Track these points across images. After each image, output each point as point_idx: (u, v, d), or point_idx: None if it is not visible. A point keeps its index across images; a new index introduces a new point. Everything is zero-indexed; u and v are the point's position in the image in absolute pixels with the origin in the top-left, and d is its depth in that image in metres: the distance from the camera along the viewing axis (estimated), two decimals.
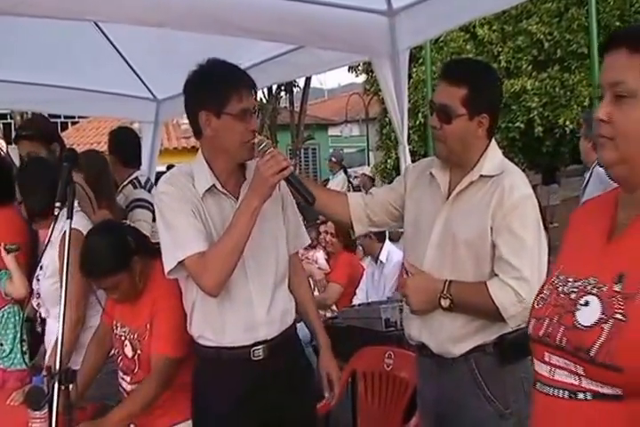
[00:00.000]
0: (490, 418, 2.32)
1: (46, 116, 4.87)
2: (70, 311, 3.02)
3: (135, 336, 2.82)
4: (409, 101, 13.93)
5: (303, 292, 2.76)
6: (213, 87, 2.39)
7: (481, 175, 2.37)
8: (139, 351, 2.80)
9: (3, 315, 3.44)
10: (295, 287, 2.70)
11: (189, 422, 2.73)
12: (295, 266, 2.73)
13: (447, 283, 2.33)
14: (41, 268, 3.31)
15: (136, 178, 4.84)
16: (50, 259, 3.23)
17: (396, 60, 3.75)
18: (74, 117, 20.15)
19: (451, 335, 2.39)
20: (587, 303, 1.32)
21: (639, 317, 1.24)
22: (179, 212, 2.41)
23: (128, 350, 2.84)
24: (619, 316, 1.25)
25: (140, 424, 2.72)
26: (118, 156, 4.92)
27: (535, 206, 2.36)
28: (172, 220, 2.42)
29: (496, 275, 2.31)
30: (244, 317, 2.49)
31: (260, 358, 2.51)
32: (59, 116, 19.71)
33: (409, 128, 12.21)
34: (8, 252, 3.40)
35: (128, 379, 2.85)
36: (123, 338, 2.87)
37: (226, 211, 2.46)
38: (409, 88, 13.93)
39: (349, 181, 12.00)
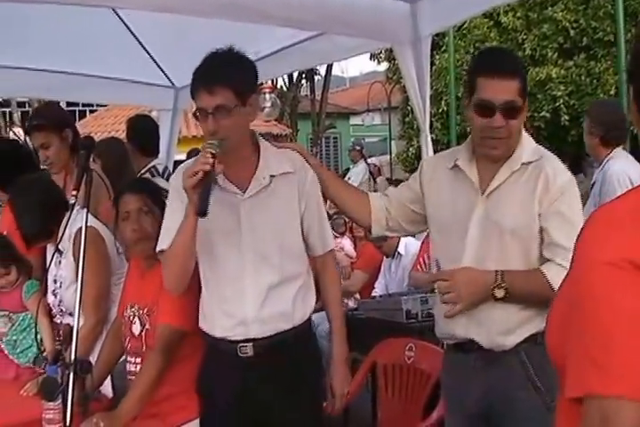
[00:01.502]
0: (538, 411, 2.26)
1: (61, 103, 4.85)
2: (90, 314, 3.06)
3: (144, 311, 2.81)
4: (431, 89, 13.78)
5: (330, 295, 2.72)
6: (191, 83, 2.45)
7: (522, 163, 2.36)
8: (147, 326, 2.79)
9: (23, 319, 3.42)
10: (322, 288, 2.70)
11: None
12: (325, 266, 2.71)
13: (499, 273, 2.29)
14: (55, 281, 3.26)
15: (154, 166, 4.84)
16: (66, 269, 3.19)
17: (418, 47, 3.69)
18: (92, 106, 20.16)
19: (501, 328, 2.34)
20: None
21: None
22: (172, 209, 2.54)
23: (136, 328, 2.82)
24: None
25: (152, 421, 2.70)
26: (136, 144, 4.90)
27: (578, 190, 2.39)
28: (166, 214, 2.60)
29: (548, 260, 2.28)
30: (235, 311, 2.50)
31: (248, 355, 2.51)
32: (77, 105, 19.71)
33: (431, 116, 12.04)
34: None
35: (139, 360, 2.81)
36: (131, 317, 2.85)
37: (224, 204, 2.46)
38: (431, 76, 13.80)
39: (370, 171, 11.94)
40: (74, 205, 2.69)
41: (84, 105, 20.20)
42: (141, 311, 2.82)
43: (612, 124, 4.30)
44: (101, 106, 18.55)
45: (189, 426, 2.74)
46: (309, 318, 2.63)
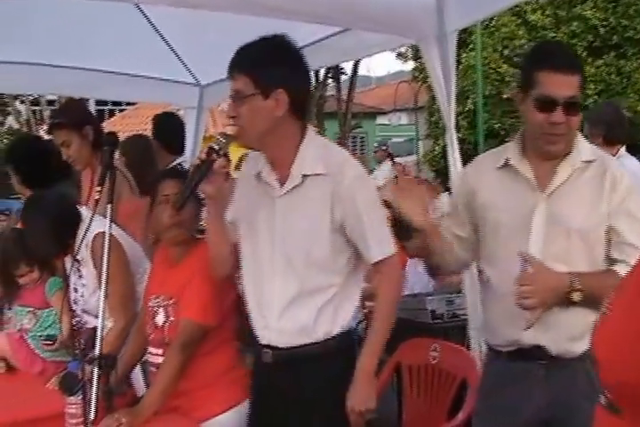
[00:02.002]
0: None
1: (91, 102, 4.86)
2: (119, 317, 3.06)
3: (170, 302, 2.77)
4: (458, 87, 13.71)
5: (376, 307, 2.50)
6: None
7: (582, 161, 2.33)
8: (171, 318, 2.75)
9: (48, 315, 3.44)
10: (375, 298, 2.52)
11: (228, 413, 2.71)
12: (376, 277, 2.50)
13: (575, 275, 2.22)
14: (76, 290, 3.26)
15: (179, 164, 4.80)
16: (88, 277, 3.19)
17: (444, 43, 3.60)
18: (121, 105, 20.30)
19: (570, 333, 2.28)
20: None
21: None
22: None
23: (159, 318, 2.79)
24: None
25: (173, 415, 2.69)
26: (161, 141, 4.89)
27: None
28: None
29: (616, 260, 2.24)
30: (265, 313, 2.46)
31: (268, 362, 2.46)
32: (106, 104, 19.90)
33: (458, 114, 12.00)
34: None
35: (160, 351, 2.79)
36: (155, 308, 2.82)
37: (265, 196, 2.47)
38: (458, 74, 13.73)
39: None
40: (97, 201, 2.67)
41: (113, 104, 20.35)
42: (166, 302, 2.79)
43: (613, 123, 4.28)
44: (130, 104, 18.66)
45: (211, 422, 2.71)
46: (342, 336, 2.45)
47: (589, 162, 2.33)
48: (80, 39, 4.49)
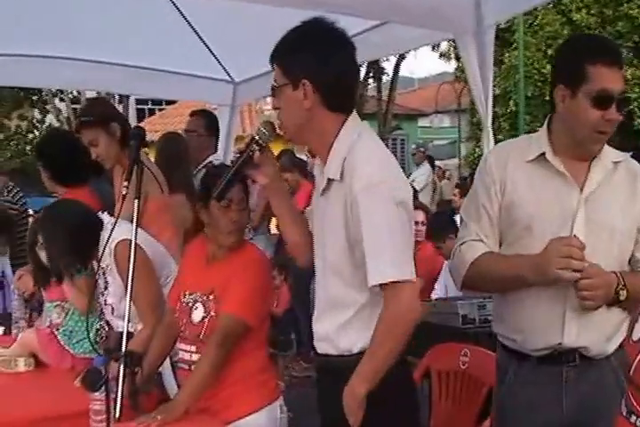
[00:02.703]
0: None
1: (131, 101, 4.90)
2: (148, 322, 3.02)
3: (210, 298, 2.70)
4: (500, 88, 13.53)
5: (373, 334, 2.18)
6: None
7: (612, 162, 2.31)
8: (211, 313, 2.68)
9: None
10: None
11: (256, 414, 2.66)
12: (385, 303, 2.17)
13: (619, 274, 2.20)
14: (107, 303, 3.21)
15: (211, 162, 4.78)
16: (114, 285, 3.13)
17: (482, 38, 3.53)
18: (161, 104, 20.46)
19: (607, 333, 2.27)
20: None
21: None
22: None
23: (197, 314, 2.72)
24: None
25: (202, 416, 2.63)
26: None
27: None
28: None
29: None
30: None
31: (316, 366, 2.42)
32: (146, 103, 20.07)
33: (499, 116, 11.74)
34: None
35: (193, 349, 2.72)
36: (191, 304, 2.75)
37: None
38: (500, 74, 13.55)
39: (434, 172, 11.70)
40: (124, 197, 2.65)
41: (153, 103, 20.53)
42: (204, 298, 2.72)
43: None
44: (169, 104, 18.79)
45: (240, 423, 2.65)
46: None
47: (617, 162, 2.30)
48: (119, 36, 4.55)
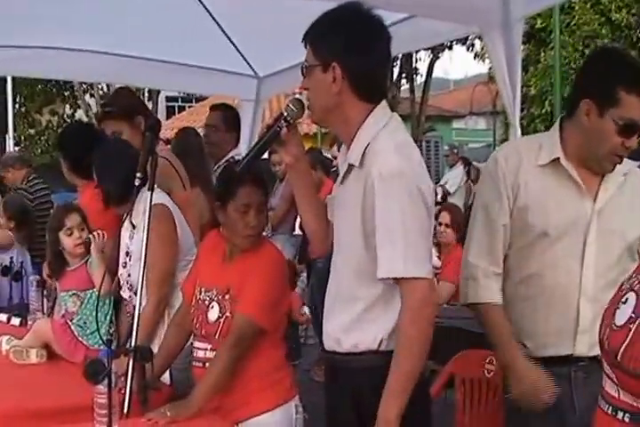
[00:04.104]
0: None
1: (161, 98, 4.89)
2: (154, 292, 3.01)
3: (226, 297, 2.65)
4: (535, 88, 13.29)
5: (396, 345, 2.12)
6: None
7: (623, 174, 2.35)
8: (227, 313, 2.63)
9: (91, 296, 3.39)
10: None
11: (268, 414, 2.63)
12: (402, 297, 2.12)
13: None
14: (127, 254, 3.22)
15: (232, 157, 4.72)
16: (137, 244, 3.11)
17: (509, 32, 3.41)
18: (190, 101, 20.56)
19: None
20: (626, 301, 1.20)
21: None
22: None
23: (213, 313, 2.68)
24: None
25: (219, 415, 2.59)
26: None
27: None
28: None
29: None
30: None
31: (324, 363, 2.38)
32: (176, 100, 20.13)
33: (535, 117, 11.48)
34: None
35: (208, 346, 2.68)
36: (207, 302, 2.70)
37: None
38: (536, 74, 13.30)
39: (468, 175, 11.51)
40: (139, 187, 2.66)
41: (182, 101, 20.62)
42: (220, 297, 2.67)
43: None
44: (198, 101, 18.84)
45: (252, 422, 2.62)
46: (370, 354, 2.18)
47: (625, 174, 2.35)
48: (144, 30, 4.53)
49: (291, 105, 2.20)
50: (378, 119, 2.18)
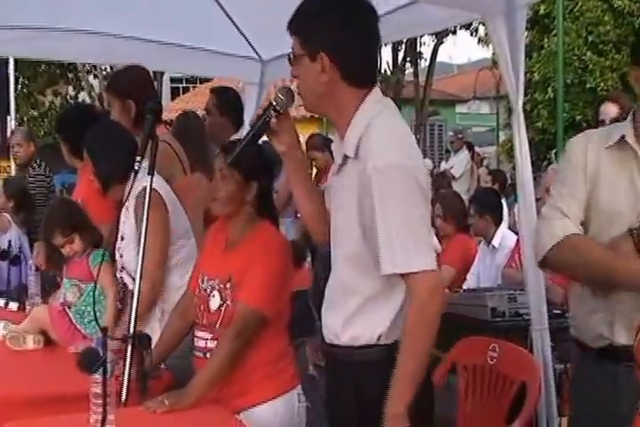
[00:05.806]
0: None
1: (165, 79, 4.86)
2: (148, 272, 2.94)
3: (227, 286, 2.64)
4: (539, 74, 13.29)
5: (401, 339, 2.08)
6: None
7: None
8: (227, 302, 2.63)
9: (91, 290, 3.32)
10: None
11: (275, 401, 2.64)
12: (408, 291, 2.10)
13: None
14: (122, 238, 3.22)
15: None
16: (130, 228, 3.14)
17: (512, 19, 3.36)
18: (195, 83, 20.44)
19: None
20: None
21: None
22: None
23: (214, 302, 2.67)
24: None
25: (219, 404, 2.58)
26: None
27: None
28: None
29: None
30: None
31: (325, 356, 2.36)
32: (180, 81, 20.00)
33: (538, 103, 11.47)
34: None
35: (209, 336, 2.67)
36: (209, 291, 2.69)
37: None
38: (540, 60, 13.27)
39: (472, 159, 11.47)
40: (137, 171, 2.66)
41: (186, 82, 20.49)
42: (222, 286, 2.66)
43: None
44: (203, 82, 18.75)
45: (252, 411, 2.62)
46: (369, 348, 2.17)
47: None
48: (148, 11, 4.50)
49: (279, 94, 2.18)
50: (371, 106, 2.15)
